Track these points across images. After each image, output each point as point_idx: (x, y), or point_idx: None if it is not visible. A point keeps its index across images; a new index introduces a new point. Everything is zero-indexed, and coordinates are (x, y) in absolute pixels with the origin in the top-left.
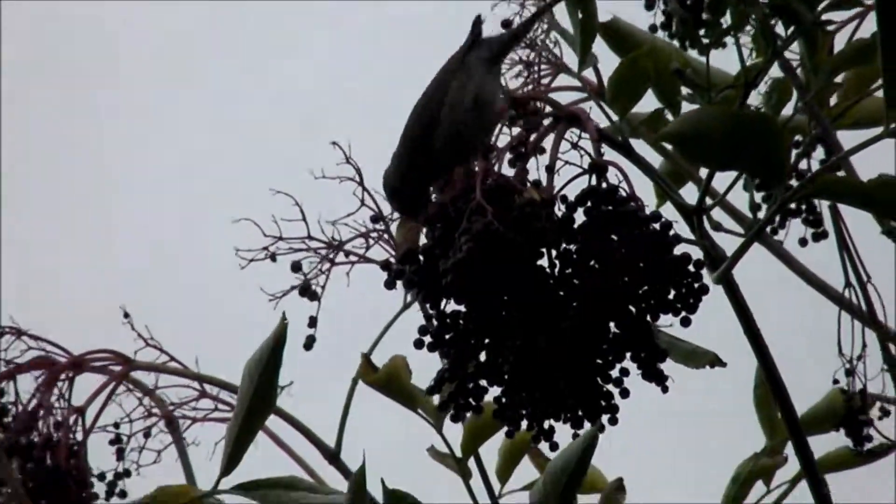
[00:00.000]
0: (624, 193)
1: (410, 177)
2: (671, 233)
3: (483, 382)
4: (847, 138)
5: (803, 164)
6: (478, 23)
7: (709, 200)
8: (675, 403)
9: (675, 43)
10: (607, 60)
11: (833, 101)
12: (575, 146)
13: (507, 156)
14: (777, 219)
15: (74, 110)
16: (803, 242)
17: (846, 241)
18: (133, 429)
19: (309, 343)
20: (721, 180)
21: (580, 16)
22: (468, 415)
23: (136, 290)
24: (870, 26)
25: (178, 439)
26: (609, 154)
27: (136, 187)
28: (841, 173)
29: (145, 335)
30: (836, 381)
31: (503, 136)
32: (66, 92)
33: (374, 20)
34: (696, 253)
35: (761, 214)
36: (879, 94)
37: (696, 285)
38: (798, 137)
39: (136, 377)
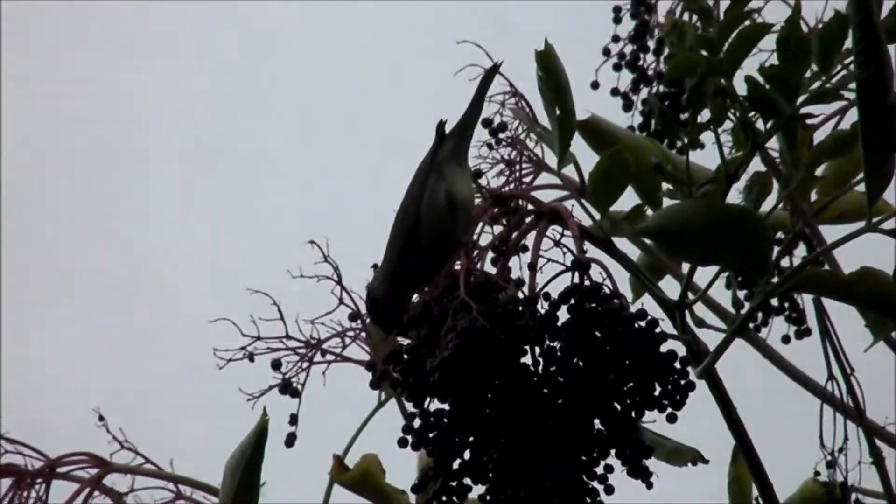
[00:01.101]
0: (608, 290)
1: (397, 283)
2: (657, 330)
3: (467, 480)
4: (831, 232)
5: (785, 261)
6: (441, 127)
7: (691, 295)
8: (652, 495)
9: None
10: (587, 158)
11: (814, 195)
12: (557, 243)
13: (490, 254)
14: (760, 316)
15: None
16: (786, 339)
17: (829, 334)
18: None
19: (290, 440)
20: (702, 276)
21: (557, 113)
22: None
23: (110, 391)
24: (850, 120)
25: None
26: (591, 251)
27: (108, 282)
28: (825, 268)
29: (120, 437)
30: (817, 474)
31: (486, 234)
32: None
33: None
34: (679, 348)
35: (744, 310)
36: (860, 187)
37: (682, 382)
38: (780, 234)
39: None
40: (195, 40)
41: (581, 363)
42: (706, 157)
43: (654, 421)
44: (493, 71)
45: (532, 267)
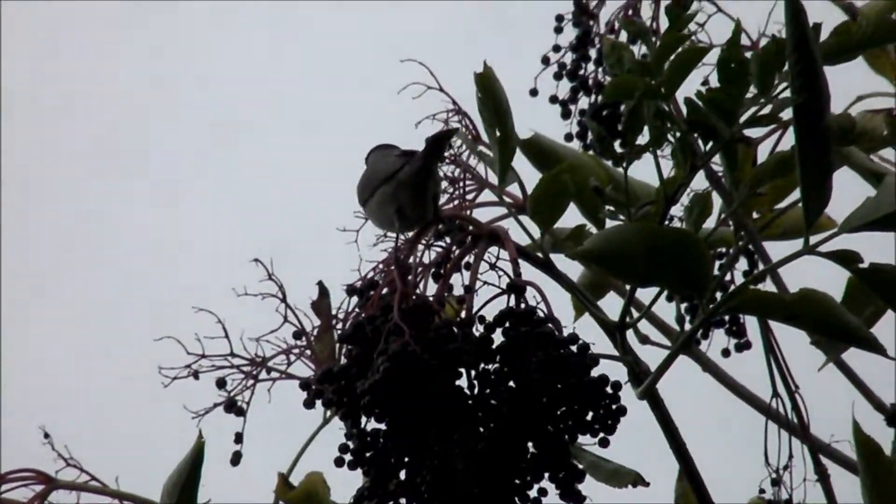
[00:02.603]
0: (542, 314)
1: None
2: (588, 354)
3: (402, 501)
4: (776, 248)
5: (728, 276)
6: (410, 153)
7: (634, 313)
8: None
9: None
10: (531, 176)
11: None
12: (493, 266)
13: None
14: (700, 330)
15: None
16: (726, 353)
17: (774, 351)
18: None
19: (236, 459)
20: (646, 292)
21: (497, 135)
22: None
23: (56, 409)
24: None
25: None
26: (530, 271)
27: (59, 300)
28: (769, 283)
29: (65, 455)
30: (762, 491)
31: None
32: None
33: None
34: (620, 369)
35: (688, 326)
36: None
37: (614, 406)
38: (722, 249)
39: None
40: None
41: (514, 387)
42: (651, 172)
43: (594, 444)
44: (448, 135)
45: (469, 289)
